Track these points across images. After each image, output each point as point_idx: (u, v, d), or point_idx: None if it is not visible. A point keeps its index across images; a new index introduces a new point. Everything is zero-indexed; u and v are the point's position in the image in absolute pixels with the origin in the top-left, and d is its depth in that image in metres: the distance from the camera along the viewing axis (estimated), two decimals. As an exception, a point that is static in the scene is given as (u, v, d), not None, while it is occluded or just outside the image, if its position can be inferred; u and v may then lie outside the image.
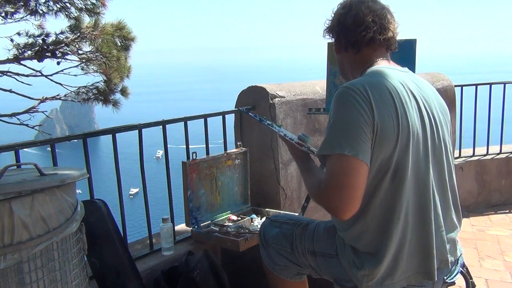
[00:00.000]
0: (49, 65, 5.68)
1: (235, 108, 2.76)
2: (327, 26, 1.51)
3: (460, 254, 1.49)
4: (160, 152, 44.25)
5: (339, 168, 1.23)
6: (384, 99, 1.28)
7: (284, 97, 2.75)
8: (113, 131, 2.11)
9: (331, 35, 1.52)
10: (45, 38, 5.63)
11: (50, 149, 1.91)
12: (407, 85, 1.35)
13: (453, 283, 1.47)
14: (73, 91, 5.93)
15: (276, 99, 2.71)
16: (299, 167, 1.57)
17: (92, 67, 5.68)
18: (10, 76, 5.56)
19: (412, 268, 1.34)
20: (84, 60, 5.63)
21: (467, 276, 1.85)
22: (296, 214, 2.33)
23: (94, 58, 5.60)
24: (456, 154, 3.87)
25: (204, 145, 2.49)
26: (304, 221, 1.66)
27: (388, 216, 1.30)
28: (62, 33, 5.64)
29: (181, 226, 2.55)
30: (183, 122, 2.39)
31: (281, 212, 2.60)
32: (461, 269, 1.53)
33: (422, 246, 1.33)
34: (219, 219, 2.51)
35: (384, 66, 1.41)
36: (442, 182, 1.40)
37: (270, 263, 1.71)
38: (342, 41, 1.46)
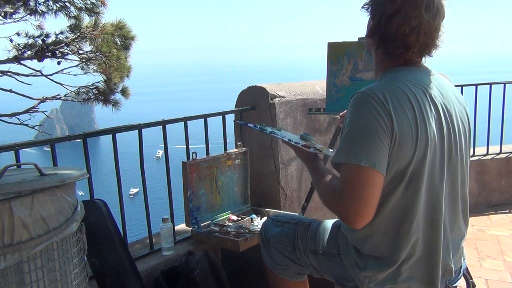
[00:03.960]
0: (49, 65, 5.68)
1: (235, 108, 2.76)
2: (369, 2, 1.33)
3: (463, 260, 1.48)
4: (160, 152, 44.23)
5: (355, 179, 1.19)
6: (403, 108, 1.23)
7: (284, 97, 2.76)
8: (113, 131, 2.11)
9: (368, 13, 1.34)
10: (45, 38, 5.63)
11: (50, 149, 1.91)
12: (429, 92, 1.29)
13: (455, 287, 1.47)
14: (73, 91, 5.93)
15: (276, 99, 2.71)
16: (308, 169, 1.52)
17: (92, 66, 5.67)
18: (10, 76, 5.55)
19: (417, 277, 1.32)
20: (84, 60, 5.63)
21: (467, 276, 1.86)
22: (297, 214, 2.33)
23: (94, 58, 5.59)
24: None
25: (204, 145, 2.49)
26: (306, 221, 1.66)
27: (399, 225, 1.28)
28: (62, 33, 5.64)
29: (181, 226, 2.55)
30: (183, 122, 2.39)
31: (282, 212, 2.60)
32: (461, 270, 1.53)
33: (429, 257, 1.31)
34: (219, 219, 2.51)
35: (408, 69, 1.32)
36: (453, 192, 1.36)
37: (271, 263, 1.71)
38: (376, 38, 1.33)
